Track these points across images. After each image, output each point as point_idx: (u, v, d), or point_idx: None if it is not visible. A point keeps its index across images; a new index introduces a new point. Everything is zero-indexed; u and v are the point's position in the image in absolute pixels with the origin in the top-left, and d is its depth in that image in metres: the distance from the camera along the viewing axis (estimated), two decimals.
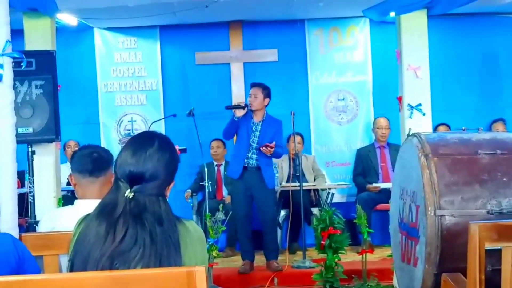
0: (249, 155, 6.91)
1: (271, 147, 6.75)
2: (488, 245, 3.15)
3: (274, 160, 7.47)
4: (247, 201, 7.01)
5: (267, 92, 6.98)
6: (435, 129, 8.41)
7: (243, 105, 6.89)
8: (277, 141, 6.90)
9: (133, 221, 2.21)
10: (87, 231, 2.24)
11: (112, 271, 2.13)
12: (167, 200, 2.34)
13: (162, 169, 2.30)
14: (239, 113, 6.82)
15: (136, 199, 2.24)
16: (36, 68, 6.04)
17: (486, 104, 8.81)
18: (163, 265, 2.18)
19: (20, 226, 4.14)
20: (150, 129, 7.17)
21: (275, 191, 7.34)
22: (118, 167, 2.31)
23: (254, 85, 7.10)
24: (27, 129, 5.98)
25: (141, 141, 2.35)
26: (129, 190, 2.24)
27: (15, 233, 3.84)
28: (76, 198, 3.36)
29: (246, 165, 6.92)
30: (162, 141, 2.36)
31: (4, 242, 2.38)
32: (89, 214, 2.31)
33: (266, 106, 7.02)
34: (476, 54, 8.86)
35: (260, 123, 6.96)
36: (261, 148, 6.78)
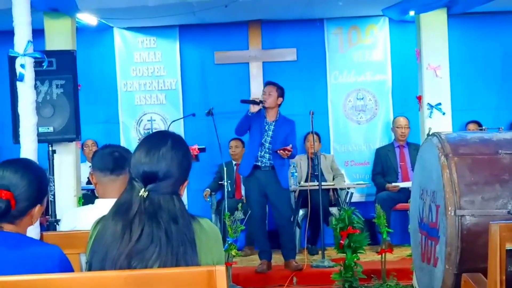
0: (261, 154, 6.92)
1: (289, 151, 6.77)
2: (509, 246, 3.13)
3: (292, 160, 7.48)
4: (261, 200, 7.02)
5: (281, 92, 6.99)
6: (465, 126, 8.39)
7: (258, 101, 6.90)
8: (291, 142, 6.90)
9: (149, 220, 2.22)
10: (103, 232, 2.26)
11: (133, 270, 2.15)
12: (182, 198, 2.35)
13: (176, 168, 2.32)
14: (254, 108, 6.83)
15: (150, 198, 2.26)
16: (56, 67, 6.09)
17: (506, 103, 8.74)
18: (180, 263, 2.19)
19: (40, 225, 4.18)
20: (170, 129, 7.20)
21: (289, 191, 7.32)
22: (132, 167, 2.33)
23: (269, 83, 7.14)
24: (48, 128, 6.02)
25: (155, 141, 2.37)
26: (143, 189, 2.26)
27: (36, 231, 3.87)
28: (96, 197, 3.38)
29: (258, 163, 6.92)
30: (175, 140, 2.38)
31: (51, 257, 2.38)
32: (105, 216, 2.33)
33: (279, 106, 7.02)
34: (496, 53, 8.79)
35: (273, 123, 6.97)
36: (278, 151, 6.78)
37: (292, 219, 7.28)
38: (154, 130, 8.74)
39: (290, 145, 6.80)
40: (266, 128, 6.95)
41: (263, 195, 7.00)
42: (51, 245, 2.71)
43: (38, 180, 2.48)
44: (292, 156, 7.08)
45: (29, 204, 2.44)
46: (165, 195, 2.28)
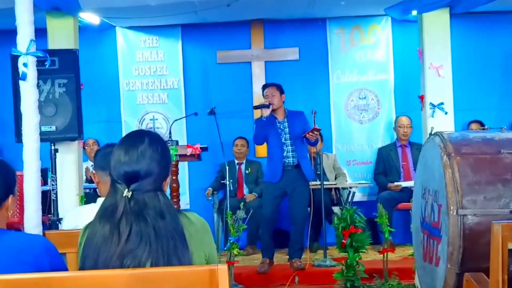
0: (285, 154, 6.93)
1: (317, 130, 6.80)
2: (511, 245, 3.13)
3: None
4: (276, 200, 7.02)
5: (281, 89, 7.04)
6: (467, 126, 8.38)
7: (268, 104, 6.91)
8: (310, 129, 6.89)
9: (136, 219, 2.24)
10: (92, 236, 2.27)
11: (136, 269, 2.15)
12: (166, 194, 2.36)
13: (156, 164, 2.32)
14: (266, 112, 6.85)
15: (135, 198, 2.27)
16: (59, 67, 6.09)
17: (509, 103, 8.73)
18: (171, 258, 2.20)
19: (43, 223, 4.19)
20: (172, 128, 7.19)
21: (309, 185, 7.19)
22: (113, 168, 2.33)
23: (267, 85, 7.17)
24: (50, 127, 6.03)
25: (132, 140, 2.38)
26: (126, 190, 2.27)
27: (38, 230, 3.89)
28: (98, 196, 3.38)
29: (284, 165, 6.94)
30: (152, 138, 2.39)
31: (37, 244, 2.39)
32: (91, 221, 2.34)
33: (284, 102, 7.04)
34: (499, 53, 8.79)
35: (285, 120, 6.99)
36: (307, 135, 6.78)
37: (305, 220, 7.22)
38: (156, 130, 8.76)
39: (316, 126, 6.82)
40: (280, 127, 6.97)
41: (281, 195, 7.01)
42: (34, 234, 2.73)
43: (3, 172, 2.49)
44: (316, 142, 7.07)
45: (1, 196, 2.45)
46: (149, 192, 2.29)
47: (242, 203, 6.71)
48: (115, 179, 2.32)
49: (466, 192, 3.77)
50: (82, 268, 2.28)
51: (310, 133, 6.78)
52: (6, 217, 2.51)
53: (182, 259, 2.22)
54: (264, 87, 7.16)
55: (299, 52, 8.91)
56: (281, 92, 7.00)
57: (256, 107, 7.13)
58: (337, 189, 8.18)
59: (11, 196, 2.50)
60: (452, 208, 3.75)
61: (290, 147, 6.93)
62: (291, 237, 7.09)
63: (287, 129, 6.96)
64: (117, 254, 2.20)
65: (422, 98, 7.15)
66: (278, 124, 6.98)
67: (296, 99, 8.35)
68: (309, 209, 7.30)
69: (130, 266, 2.18)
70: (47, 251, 2.37)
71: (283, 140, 6.94)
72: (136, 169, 2.29)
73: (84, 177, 7.79)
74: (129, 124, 8.90)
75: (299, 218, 7.01)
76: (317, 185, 7.38)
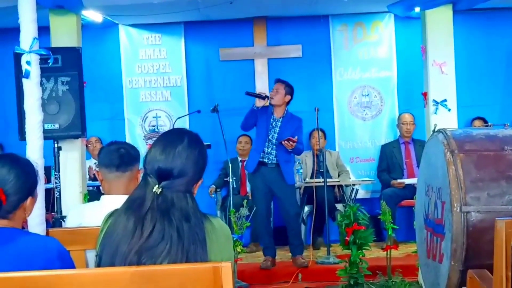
0: (268, 150, 6.92)
1: (293, 141, 6.74)
2: None
3: (298, 156, 7.47)
4: (266, 197, 7.02)
5: (289, 90, 6.98)
6: (470, 123, 8.37)
7: (264, 95, 6.89)
8: (298, 138, 6.88)
9: (161, 216, 2.22)
10: (115, 226, 2.26)
11: (139, 266, 2.15)
12: (195, 197, 2.35)
13: (191, 166, 2.31)
14: (259, 103, 6.83)
15: (164, 195, 2.25)
16: (62, 64, 6.11)
17: None
18: (189, 261, 2.19)
19: (46, 221, 4.19)
20: (175, 125, 7.20)
21: (295, 187, 7.31)
22: (148, 163, 2.32)
23: (278, 80, 7.12)
24: (53, 125, 6.04)
25: (171, 138, 2.37)
26: (157, 186, 2.26)
27: (42, 228, 3.89)
28: (102, 194, 3.39)
29: (264, 160, 6.92)
30: (192, 139, 2.38)
31: (49, 248, 2.39)
32: (117, 210, 2.32)
33: (288, 103, 7.01)
34: (502, 49, 8.77)
35: (281, 119, 6.98)
36: (282, 142, 6.76)
37: (298, 215, 7.27)
38: (159, 127, 8.76)
39: (296, 137, 6.79)
40: (273, 124, 6.95)
41: (269, 191, 7.00)
42: (48, 237, 2.72)
43: (26, 173, 2.49)
44: (298, 152, 7.06)
45: (20, 197, 2.45)
46: (178, 192, 2.27)
47: (245, 201, 6.73)
48: (147, 172, 2.31)
49: (469, 189, 3.77)
50: (99, 256, 2.27)
51: (286, 141, 6.76)
52: (23, 217, 2.51)
53: None
54: (276, 81, 7.14)
55: (302, 49, 8.90)
56: (287, 92, 6.95)
57: (248, 94, 7.04)
58: (340, 186, 8.18)
59: (30, 197, 2.50)
60: (455, 205, 3.75)
61: (273, 146, 6.91)
62: (288, 234, 7.10)
63: (278, 129, 6.94)
64: (136, 249, 2.18)
65: (425, 95, 7.14)
66: (272, 120, 6.96)
67: (299, 96, 8.32)
68: (311, 206, 7.31)
69: (146, 263, 2.17)
70: (59, 256, 2.37)
71: (270, 137, 6.92)
72: (170, 167, 2.28)
73: (87, 176, 7.80)
74: (132, 121, 8.91)
75: (292, 215, 7.02)
76: (320, 182, 7.38)
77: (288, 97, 6.98)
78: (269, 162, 6.91)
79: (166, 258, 2.18)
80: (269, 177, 6.93)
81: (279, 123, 6.96)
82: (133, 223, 2.22)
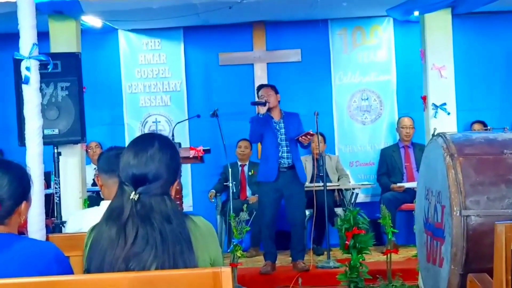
0: (281, 154, 6.94)
1: (311, 135, 6.82)
2: None
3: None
4: (275, 203, 7.02)
5: (275, 89, 7.08)
6: (470, 126, 8.37)
7: (264, 101, 6.93)
8: (301, 132, 6.93)
9: (142, 222, 2.23)
10: (98, 238, 2.28)
11: (139, 272, 2.15)
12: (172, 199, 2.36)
13: (164, 169, 2.32)
14: (262, 110, 6.87)
15: (141, 201, 2.26)
16: (61, 70, 6.12)
17: (511, 103, 8.72)
18: (177, 262, 2.20)
19: (46, 226, 4.19)
20: (175, 130, 7.20)
21: (304, 189, 7.23)
22: (122, 170, 2.34)
23: (261, 86, 7.23)
24: (53, 130, 6.05)
25: (142, 143, 2.38)
26: (134, 193, 2.27)
27: (42, 234, 3.89)
28: (101, 199, 3.39)
29: (279, 165, 6.94)
30: (162, 142, 2.39)
31: (47, 252, 2.39)
32: (98, 223, 2.34)
33: (279, 102, 7.06)
34: (501, 53, 8.77)
35: (282, 120, 7.01)
36: (300, 138, 6.79)
37: (304, 221, 7.24)
38: (159, 132, 8.75)
39: (311, 130, 6.83)
40: (277, 127, 6.98)
41: (279, 196, 7.01)
42: (45, 241, 2.72)
43: (18, 177, 2.49)
44: (307, 146, 7.11)
45: (14, 202, 2.45)
46: (156, 196, 2.28)
47: (245, 205, 6.72)
48: (123, 181, 2.32)
49: (469, 192, 3.77)
50: (87, 269, 2.28)
51: (303, 137, 6.80)
52: (18, 222, 2.51)
53: (188, 264, 2.22)
54: (259, 88, 7.18)
55: (301, 54, 8.91)
56: (276, 92, 7.03)
57: (254, 103, 7.10)
58: (340, 190, 8.17)
59: (24, 202, 2.50)
60: (455, 209, 3.75)
61: (285, 148, 6.94)
62: (292, 239, 7.09)
63: (283, 130, 6.97)
64: (122, 257, 2.20)
65: (424, 98, 7.16)
66: (274, 124, 6.99)
67: (299, 100, 8.36)
68: (311, 210, 7.30)
69: (135, 270, 2.18)
70: (57, 259, 2.37)
71: (279, 141, 6.94)
72: (144, 172, 2.29)
73: (92, 181, 7.82)
74: (131, 126, 8.91)
75: (298, 220, 7.03)
76: (320, 186, 7.38)
77: (278, 95, 7.06)
78: (281, 166, 6.93)
79: (153, 262, 2.19)
80: (283, 181, 6.93)
81: (282, 124, 6.99)
82: (116, 232, 2.24)
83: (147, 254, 2.20)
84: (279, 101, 7.06)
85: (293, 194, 6.96)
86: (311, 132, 6.84)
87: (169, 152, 2.37)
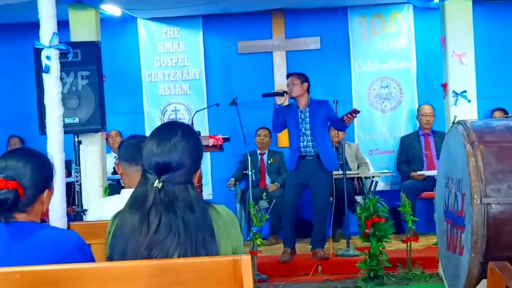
0: (304, 144, 6.93)
1: (356, 112, 6.82)
2: None
3: None
4: (299, 189, 7.05)
5: (303, 78, 7.03)
6: (490, 114, 8.31)
7: (282, 91, 6.91)
8: (334, 119, 6.95)
9: (165, 210, 2.25)
10: (121, 225, 2.29)
11: (160, 259, 2.17)
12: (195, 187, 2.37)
13: (188, 157, 2.33)
14: (279, 100, 6.88)
15: (165, 189, 2.28)
16: (81, 59, 6.14)
17: None
18: (199, 250, 2.22)
19: (67, 214, 4.23)
20: (194, 119, 7.22)
21: (333, 177, 7.17)
22: (145, 159, 2.35)
23: (289, 75, 7.21)
24: (74, 119, 6.07)
25: (165, 132, 2.39)
26: (157, 181, 2.28)
27: (63, 222, 3.92)
28: (122, 187, 3.40)
29: (303, 154, 6.94)
30: (185, 130, 2.40)
31: (69, 241, 2.41)
32: (121, 210, 2.36)
33: (308, 91, 7.03)
34: None
35: (307, 109, 6.99)
36: (345, 117, 6.78)
37: (328, 210, 7.21)
38: (178, 120, 8.77)
39: (355, 107, 6.83)
40: (302, 116, 6.98)
41: (303, 184, 7.03)
42: (66, 230, 2.73)
43: (41, 165, 2.50)
44: (345, 127, 7.10)
45: (37, 190, 2.46)
46: (179, 184, 2.30)
47: (264, 193, 6.73)
48: (146, 169, 2.33)
49: (489, 180, 3.75)
50: (110, 256, 2.30)
51: (349, 115, 6.78)
52: (40, 210, 2.52)
53: (210, 252, 2.24)
54: (287, 76, 7.18)
55: (320, 42, 8.88)
56: (303, 80, 7.00)
57: (266, 95, 7.11)
58: (359, 178, 8.16)
59: (47, 190, 2.52)
60: (475, 197, 3.73)
61: (309, 137, 6.93)
62: (313, 227, 7.09)
63: (308, 119, 6.95)
64: (145, 244, 2.22)
65: (445, 86, 7.10)
66: (299, 113, 6.98)
67: (318, 88, 8.31)
68: (331, 199, 7.30)
69: (157, 257, 2.20)
70: (78, 248, 2.39)
71: (302, 130, 6.94)
72: (168, 160, 2.30)
73: (112, 170, 7.87)
74: (151, 115, 8.95)
75: (321, 208, 7.01)
76: (339, 174, 7.37)
77: (306, 84, 7.01)
78: (307, 154, 6.94)
79: (176, 250, 2.21)
80: (307, 169, 6.95)
81: (308, 113, 6.97)
82: (139, 220, 2.25)
83: (170, 241, 2.21)
84: (307, 90, 7.04)
85: (318, 183, 6.96)
86: (357, 109, 6.83)
87: (192, 140, 2.38)
